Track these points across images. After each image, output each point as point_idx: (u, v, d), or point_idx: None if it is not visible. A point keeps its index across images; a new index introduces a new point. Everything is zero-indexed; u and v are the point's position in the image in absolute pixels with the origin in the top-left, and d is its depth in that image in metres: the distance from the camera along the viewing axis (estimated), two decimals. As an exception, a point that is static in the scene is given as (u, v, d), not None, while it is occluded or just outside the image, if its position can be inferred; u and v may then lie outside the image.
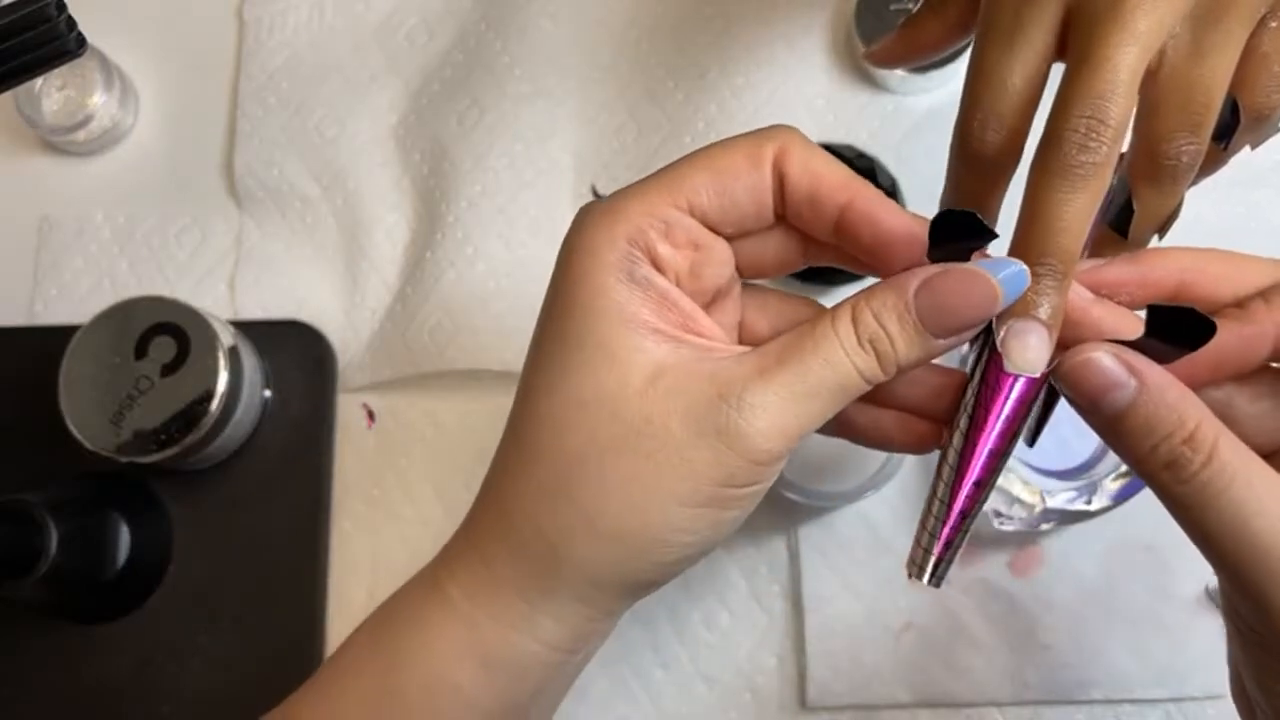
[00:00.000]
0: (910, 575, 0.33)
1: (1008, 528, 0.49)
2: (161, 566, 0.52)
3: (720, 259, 0.33)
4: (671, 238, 0.31)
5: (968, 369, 0.32)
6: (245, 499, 0.53)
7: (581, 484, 0.31)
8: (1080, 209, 0.30)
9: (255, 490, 0.53)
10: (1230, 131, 0.32)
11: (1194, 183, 0.32)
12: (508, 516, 0.32)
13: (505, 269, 0.54)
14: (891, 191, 0.52)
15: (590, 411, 0.30)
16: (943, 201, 0.35)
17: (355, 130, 0.57)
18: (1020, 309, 0.30)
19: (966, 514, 0.31)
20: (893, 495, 0.51)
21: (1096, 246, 0.34)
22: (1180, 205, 0.33)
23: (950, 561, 0.32)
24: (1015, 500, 0.48)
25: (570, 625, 0.33)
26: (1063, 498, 0.48)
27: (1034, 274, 0.30)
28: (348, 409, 0.54)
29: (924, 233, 0.30)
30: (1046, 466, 0.48)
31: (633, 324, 0.30)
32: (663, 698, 0.50)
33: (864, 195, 0.31)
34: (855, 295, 0.31)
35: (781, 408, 0.30)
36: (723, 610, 0.51)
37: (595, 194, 0.56)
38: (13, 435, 0.53)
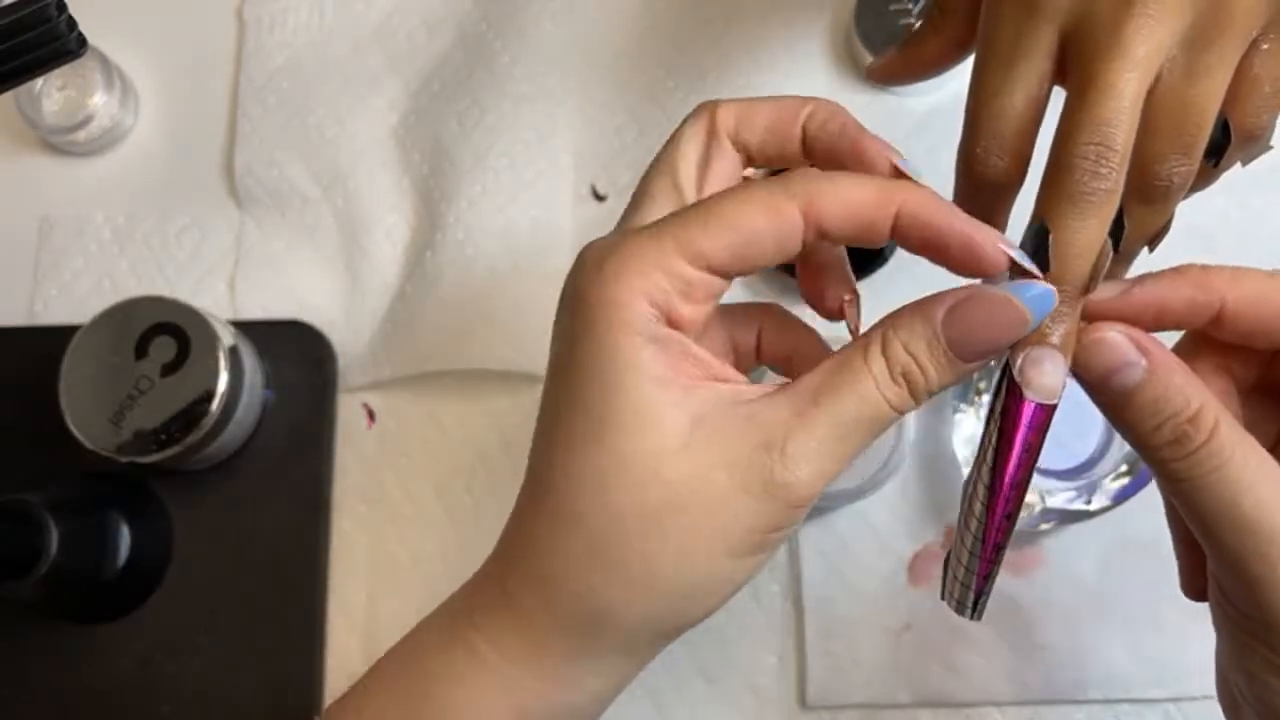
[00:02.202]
0: (952, 609, 0.33)
1: (1007, 528, 0.49)
2: (162, 566, 0.52)
3: (720, 294, 0.32)
4: (692, 296, 0.31)
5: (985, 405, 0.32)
6: (246, 499, 0.53)
7: (632, 545, 0.30)
8: (1092, 235, 0.31)
9: (255, 490, 0.53)
10: (1221, 150, 0.33)
11: (1185, 197, 0.33)
12: (549, 580, 0.31)
13: (505, 269, 0.54)
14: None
15: (633, 472, 0.30)
16: None
17: (355, 130, 0.57)
18: (1035, 336, 0.31)
19: (1001, 547, 0.32)
20: (893, 495, 0.51)
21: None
22: (1171, 220, 0.33)
23: (989, 593, 0.32)
24: (1015, 500, 0.48)
25: (615, 679, 0.33)
26: (1062, 498, 0.48)
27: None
28: (348, 409, 0.54)
29: (977, 232, 0.30)
30: (1046, 466, 0.48)
31: (661, 383, 0.30)
32: (663, 697, 0.50)
33: (909, 201, 0.31)
34: (882, 323, 0.31)
35: (821, 452, 0.30)
36: (723, 610, 0.51)
37: (595, 194, 0.56)
38: (13, 435, 0.53)
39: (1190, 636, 0.49)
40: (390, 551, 0.53)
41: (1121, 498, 0.48)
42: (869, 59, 0.55)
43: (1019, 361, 0.31)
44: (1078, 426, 0.50)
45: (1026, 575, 0.50)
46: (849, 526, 0.51)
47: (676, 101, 0.57)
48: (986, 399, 0.49)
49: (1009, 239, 0.30)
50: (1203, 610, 0.49)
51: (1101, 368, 0.31)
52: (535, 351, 0.53)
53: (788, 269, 0.52)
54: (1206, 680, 0.49)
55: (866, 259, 0.52)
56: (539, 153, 0.56)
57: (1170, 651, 0.49)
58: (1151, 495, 0.48)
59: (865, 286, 0.53)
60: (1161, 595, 0.50)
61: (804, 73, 0.57)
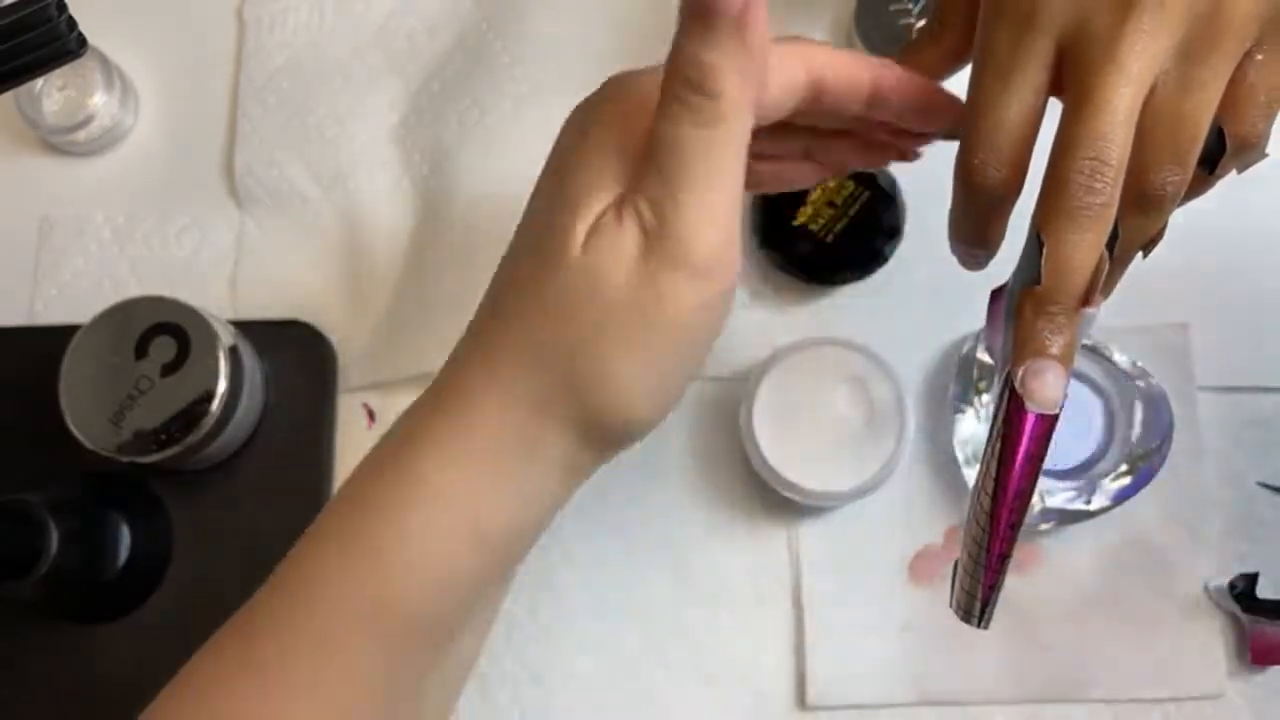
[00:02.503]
0: (959, 618, 0.34)
1: (1007, 527, 0.49)
2: (162, 566, 0.52)
3: None
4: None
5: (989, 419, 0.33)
6: (246, 499, 0.53)
7: (537, 314, 0.34)
8: (1089, 248, 0.31)
9: (256, 490, 0.53)
10: (1217, 159, 0.33)
11: (1180, 205, 0.33)
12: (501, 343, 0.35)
13: (505, 269, 0.54)
14: (891, 190, 0.52)
15: (549, 269, 0.34)
16: (950, 229, 0.36)
17: (355, 130, 0.57)
18: (1036, 348, 0.31)
19: (1005, 556, 0.32)
20: (893, 495, 0.51)
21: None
22: (1165, 227, 0.33)
23: (996, 601, 0.33)
24: (1015, 500, 0.48)
25: (563, 473, 0.34)
26: (1062, 497, 0.48)
27: (1048, 314, 0.31)
28: (348, 409, 0.54)
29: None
30: (1046, 466, 0.48)
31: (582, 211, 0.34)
32: (663, 697, 0.50)
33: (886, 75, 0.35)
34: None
35: (674, 209, 0.31)
36: (723, 610, 0.51)
37: (595, 194, 0.56)
38: (13, 435, 0.53)
39: (1190, 635, 0.49)
40: (390, 551, 0.53)
41: (1121, 498, 0.48)
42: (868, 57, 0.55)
43: (1020, 373, 0.31)
44: (1078, 427, 0.50)
45: (1026, 575, 0.50)
46: (849, 526, 0.51)
47: (676, 101, 0.57)
48: (986, 399, 0.49)
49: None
50: (1202, 610, 0.49)
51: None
52: (535, 351, 0.53)
53: (806, 275, 0.52)
54: (1206, 679, 0.49)
55: (867, 259, 0.52)
56: (539, 153, 0.56)
57: (1170, 651, 0.49)
58: (1151, 495, 0.49)
59: (865, 286, 0.53)
60: (1161, 595, 0.50)
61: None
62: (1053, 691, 0.49)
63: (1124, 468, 0.48)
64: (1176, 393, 0.50)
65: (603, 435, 0.34)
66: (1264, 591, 0.48)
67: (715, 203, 0.31)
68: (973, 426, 0.49)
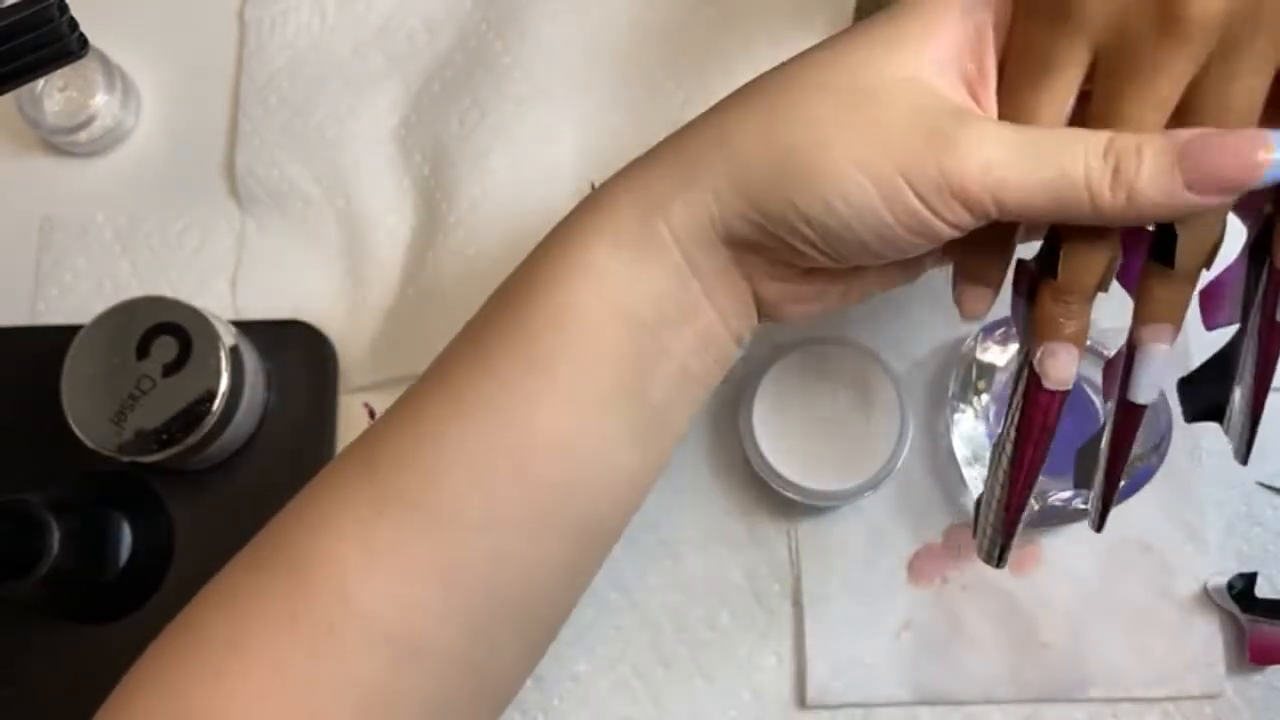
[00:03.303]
0: (981, 558, 0.40)
1: (1007, 527, 0.49)
2: (163, 566, 0.52)
3: None
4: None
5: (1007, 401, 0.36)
6: (247, 499, 0.53)
7: (787, 100, 0.33)
8: (1103, 249, 0.33)
9: (257, 490, 0.53)
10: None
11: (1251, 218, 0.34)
12: (705, 114, 0.34)
13: (506, 270, 0.54)
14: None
15: (842, 60, 0.33)
16: (956, 270, 0.38)
17: (356, 131, 0.57)
18: (1052, 332, 0.34)
19: (1021, 508, 0.37)
20: (893, 495, 0.51)
21: (1142, 282, 0.34)
22: (1224, 231, 0.33)
23: (1011, 547, 0.38)
24: (1014, 500, 0.48)
25: (695, 215, 0.33)
26: (1062, 497, 0.48)
27: (1064, 302, 0.33)
28: (349, 409, 0.55)
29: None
30: (1046, 466, 0.48)
31: (937, 40, 0.32)
32: (663, 697, 0.50)
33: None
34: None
35: (1001, 148, 0.31)
36: (723, 609, 0.51)
37: (595, 194, 0.56)
38: (14, 435, 0.53)
39: (1189, 635, 0.49)
40: (391, 551, 0.53)
41: (1121, 497, 0.48)
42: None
43: (1038, 354, 0.34)
44: (1077, 426, 0.50)
45: (1026, 574, 0.50)
46: (849, 526, 0.51)
47: (677, 102, 0.57)
48: (986, 399, 0.49)
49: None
50: (1202, 610, 0.50)
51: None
52: (536, 351, 0.53)
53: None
54: (1205, 678, 0.49)
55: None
56: (539, 153, 0.56)
57: (1170, 651, 0.49)
58: (1150, 495, 0.49)
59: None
60: (1160, 594, 0.50)
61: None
62: (1052, 691, 0.49)
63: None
64: (1175, 394, 0.50)
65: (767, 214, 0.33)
66: (1263, 591, 0.48)
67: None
68: (972, 425, 0.49)
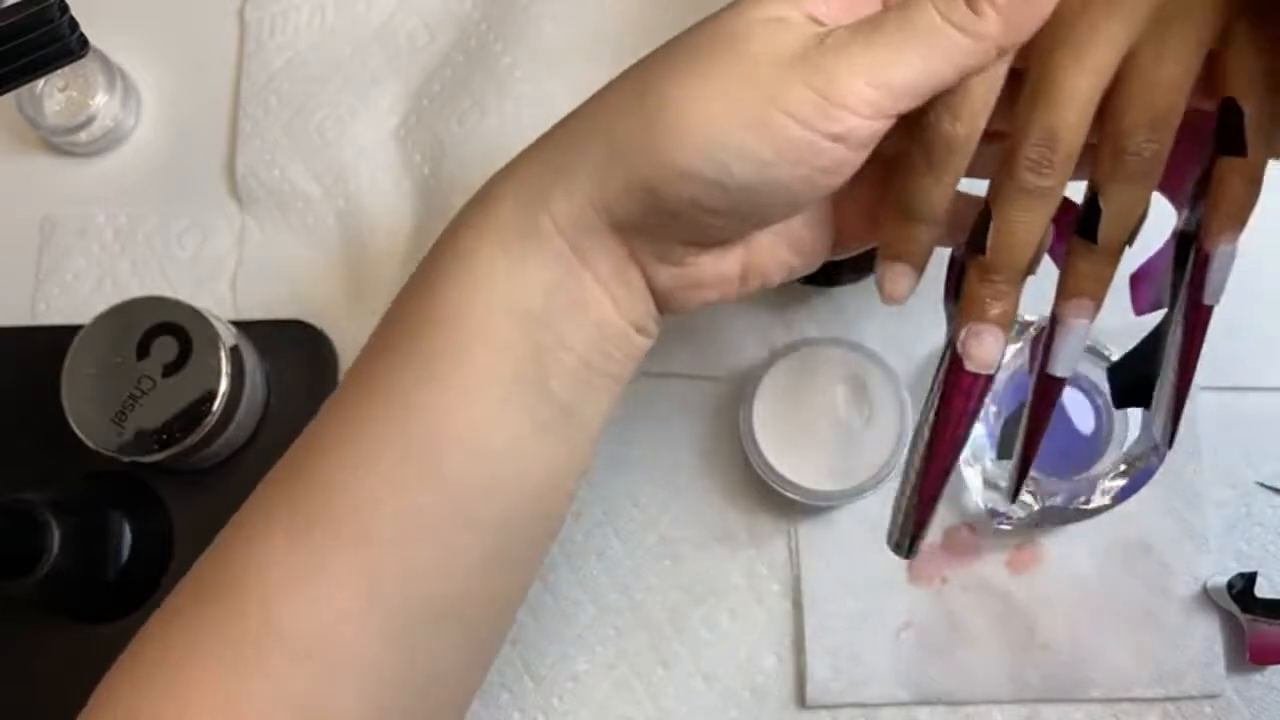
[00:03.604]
0: (890, 549, 0.38)
1: (1006, 527, 0.49)
2: (163, 566, 0.52)
3: None
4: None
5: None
6: (247, 498, 0.53)
7: (655, 67, 0.32)
8: (1035, 227, 0.33)
9: (257, 490, 0.53)
10: (1239, 138, 0.32)
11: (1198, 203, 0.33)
12: (578, 108, 0.34)
13: (506, 269, 0.54)
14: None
15: (707, 21, 0.32)
16: (895, 195, 0.35)
17: (356, 131, 0.57)
18: (978, 313, 0.33)
19: (935, 497, 0.36)
20: (893, 495, 0.51)
21: (1067, 256, 0.34)
22: (1146, 210, 0.33)
23: (924, 536, 0.37)
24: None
25: (576, 204, 0.33)
26: (1061, 497, 0.48)
27: (990, 281, 0.33)
28: (349, 409, 0.55)
29: None
30: (1045, 466, 0.48)
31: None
32: (663, 697, 0.50)
33: None
34: None
35: (865, 46, 0.30)
36: (723, 610, 0.51)
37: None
38: (15, 435, 0.53)
39: (1189, 635, 0.49)
40: (391, 551, 0.53)
41: (1121, 497, 0.48)
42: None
43: (961, 335, 0.34)
44: (1076, 426, 0.50)
45: (1026, 575, 0.50)
46: (849, 526, 0.51)
47: (676, 102, 0.57)
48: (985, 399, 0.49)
49: None
50: (1202, 610, 0.50)
51: None
52: (536, 351, 0.53)
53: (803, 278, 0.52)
54: (1205, 678, 0.49)
55: (866, 259, 0.52)
56: (539, 153, 0.56)
57: (1170, 651, 0.49)
58: (1150, 495, 0.49)
59: (864, 286, 0.53)
60: (1160, 594, 0.50)
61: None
62: (1051, 691, 0.49)
63: (1122, 467, 0.48)
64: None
65: (640, 191, 0.32)
66: (1262, 591, 0.48)
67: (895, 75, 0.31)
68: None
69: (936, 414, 0.35)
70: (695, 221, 0.33)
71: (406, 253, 0.56)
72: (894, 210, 0.35)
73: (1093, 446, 0.50)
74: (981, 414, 0.49)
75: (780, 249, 0.36)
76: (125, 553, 0.51)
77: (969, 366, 0.34)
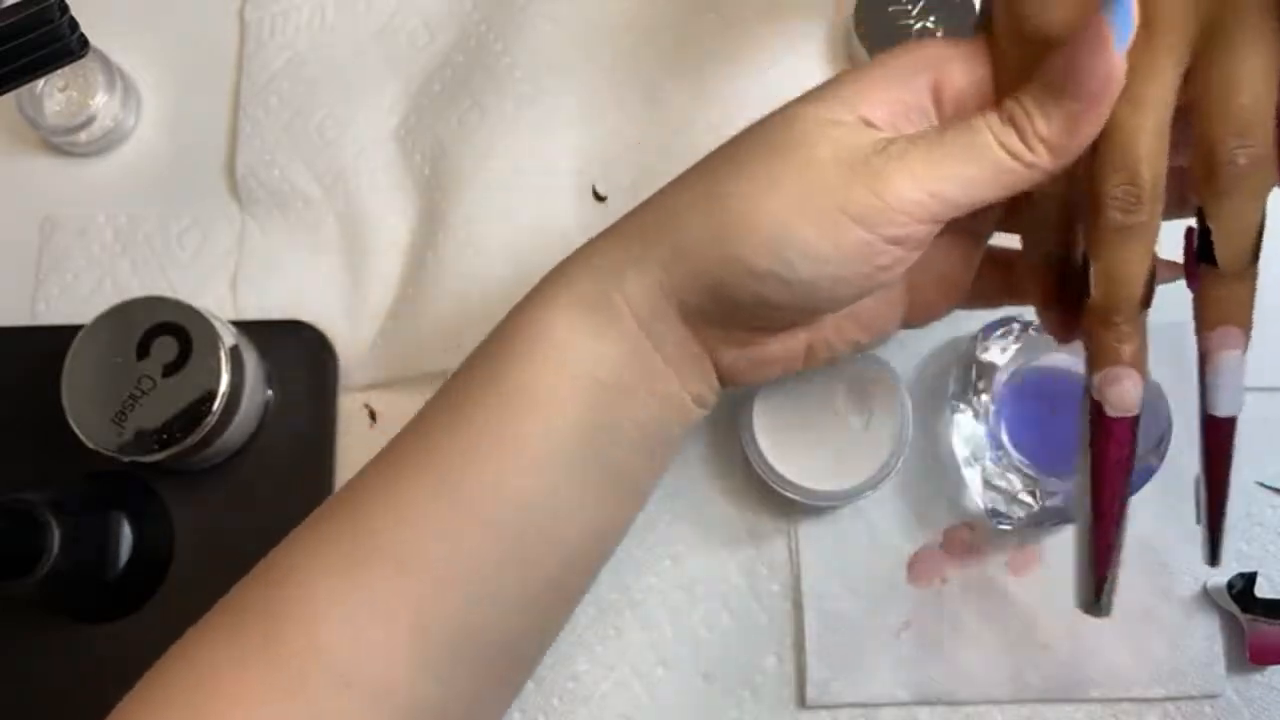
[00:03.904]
0: (1084, 611, 0.37)
1: (1006, 527, 0.49)
2: (163, 566, 0.52)
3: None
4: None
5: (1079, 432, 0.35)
6: (247, 498, 0.53)
7: (724, 162, 0.34)
8: (1137, 262, 0.32)
9: (257, 490, 0.53)
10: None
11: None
12: (655, 194, 0.36)
13: (506, 270, 0.54)
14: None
15: (771, 119, 0.34)
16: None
17: (357, 131, 0.57)
18: (1110, 358, 0.33)
19: (1112, 547, 0.35)
20: (893, 495, 0.51)
21: (1200, 288, 0.33)
22: (1264, 220, 0.32)
23: (1114, 589, 0.36)
24: (1014, 500, 0.48)
25: (647, 287, 0.34)
26: (1061, 497, 0.48)
27: (1112, 323, 0.33)
28: (350, 409, 0.55)
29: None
30: (1046, 466, 0.48)
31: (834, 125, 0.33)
32: (663, 696, 0.50)
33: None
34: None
35: (920, 154, 0.32)
36: (723, 610, 0.51)
37: (595, 194, 0.56)
38: (15, 435, 0.53)
39: (1189, 635, 0.49)
40: (391, 551, 0.53)
41: (1121, 497, 0.48)
42: (868, 59, 0.55)
43: (1096, 382, 0.33)
44: (1076, 427, 0.50)
45: (1026, 575, 0.50)
46: (849, 526, 0.51)
47: (677, 103, 0.57)
48: (985, 399, 0.49)
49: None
50: (1203, 610, 0.50)
51: None
52: (536, 351, 0.53)
53: None
54: (1205, 679, 0.49)
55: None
56: (540, 154, 0.56)
57: (1169, 650, 0.49)
58: (1150, 495, 0.49)
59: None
60: (1160, 594, 0.50)
61: (805, 73, 0.57)
62: (1052, 691, 0.49)
63: (1123, 467, 0.48)
64: (1175, 392, 0.50)
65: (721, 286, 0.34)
66: (1262, 591, 0.48)
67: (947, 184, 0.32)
68: (972, 426, 0.49)
69: (1093, 466, 0.34)
70: (760, 312, 0.34)
71: (406, 252, 0.56)
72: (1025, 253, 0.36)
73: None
74: (981, 414, 0.49)
75: (847, 326, 0.37)
76: (125, 553, 0.51)
77: (1110, 412, 0.33)
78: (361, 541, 0.35)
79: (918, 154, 0.32)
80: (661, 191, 0.36)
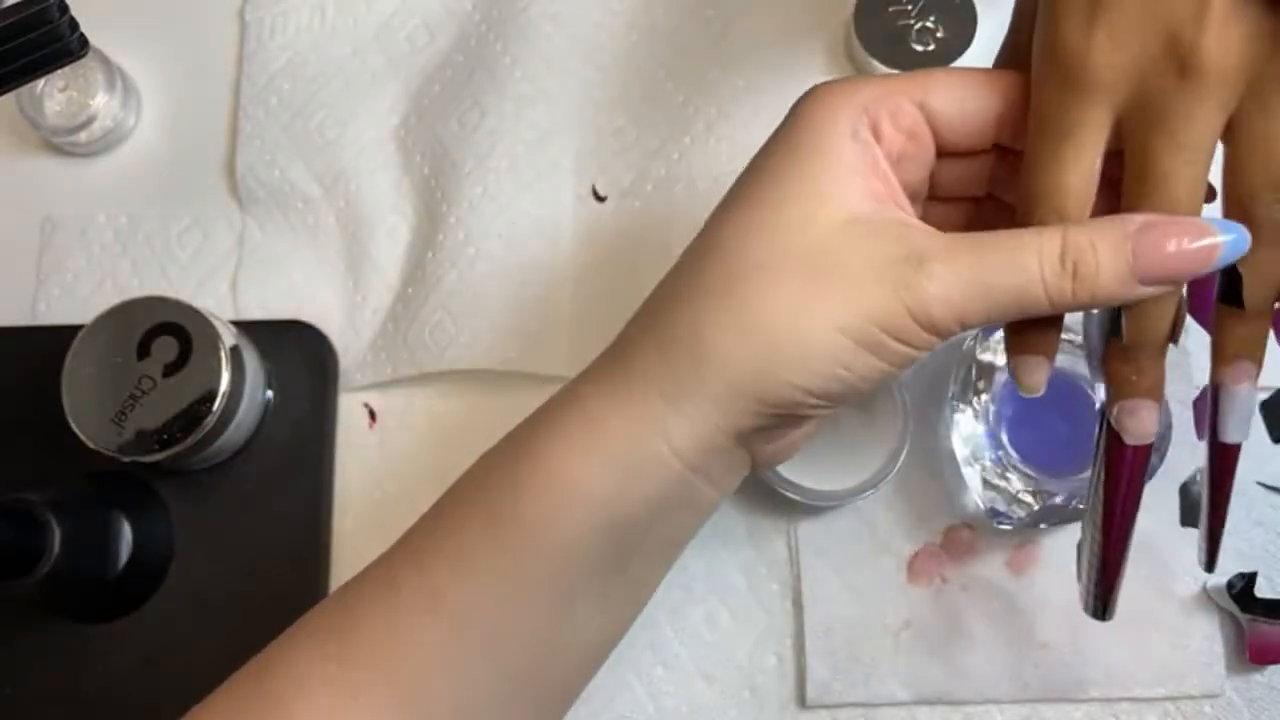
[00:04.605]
0: (1090, 616, 0.39)
1: (1006, 526, 0.49)
2: (163, 566, 0.52)
3: (925, 159, 0.35)
4: (896, 120, 0.33)
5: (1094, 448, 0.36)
6: (247, 498, 0.53)
7: (749, 287, 0.32)
8: (1166, 305, 0.33)
9: (257, 490, 0.53)
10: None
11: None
12: (663, 314, 0.34)
13: (506, 270, 0.54)
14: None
15: (781, 226, 0.32)
16: (1008, 342, 0.36)
17: (357, 131, 0.57)
18: (1129, 389, 0.34)
19: (1118, 562, 0.37)
20: (893, 495, 0.51)
21: (1219, 322, 0.34)
22: None
23: (1116, 598, 0.38)
24: (1014, 499, 0.48)
25: (699, 431, 0.33)
26: (1061, 497, 0.48)
27: (1134, 360, 0.33)
28: (349, 409, 0.55)
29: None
30: (1046, 466, 0.48)
31: (848, 171, 0.32)
32: (663, 697, 0.50)
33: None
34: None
35: (959, 284, 0.31)
36: (723, 610, 0.51)
37: (595, 194, 0.56)
38: (15, 435, 0.53)
39: (1189, 635, 0.49)
40: (391, 551, 0.53)
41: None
42: (868, 58, 0.55)
43: (1115, 412, 0.34)
44: (1076, 427, 0.50)
45: (1026, 574, 0.50)
46: (849, 526, 0.51)
47: (677, 103, 0.57)
48: (985, 398, 0.49)
49: None
50: (1202, 610, 0.50)
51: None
52: (536, 351, 0.53)
53: None
54: (1205, 678, 0.49)
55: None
56: (540, 154, 0.56)
57: (1169, 650, 0.49)
58: (1150, 495, 0.49)
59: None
60: (1160, 594, 0.50)
61: (804, 73, 0.57)
62: (1051, 691, 0.49)
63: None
64: (1175, 393, 0.50)
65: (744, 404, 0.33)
66: (1262, 591, 0.48)
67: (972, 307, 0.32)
68: (972, 426, 0.49)
69: (1105, 487, 0.36)
70: (811, 415, 0.34)
71: (407, 253, 0.56)
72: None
73: (1093, 446, 0.50)
74: (981, 414, 0.49)
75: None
76: (125, 553, 0.51)
77: (1128, 440, 0.34)
78: (357, 644, 0.35)
79: (956, 282, 0.31)
80: (673, 324, 0.33)
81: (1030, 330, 0.35)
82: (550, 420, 0.35)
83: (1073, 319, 0.36)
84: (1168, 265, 0.31)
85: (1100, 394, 0.35)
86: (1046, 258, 0.31)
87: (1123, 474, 0.35)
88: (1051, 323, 0.35)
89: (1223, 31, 0.30)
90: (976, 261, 0.31)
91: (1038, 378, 0.35)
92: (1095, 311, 0.35)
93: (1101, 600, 0.38)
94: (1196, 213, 0.32)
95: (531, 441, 0.35)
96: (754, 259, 0.32)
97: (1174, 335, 0.34)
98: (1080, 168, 0.32)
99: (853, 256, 0.32)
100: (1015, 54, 0.36)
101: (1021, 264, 0.31)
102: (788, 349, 0.32)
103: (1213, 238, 0.31)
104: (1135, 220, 0.31)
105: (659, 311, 0.34)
